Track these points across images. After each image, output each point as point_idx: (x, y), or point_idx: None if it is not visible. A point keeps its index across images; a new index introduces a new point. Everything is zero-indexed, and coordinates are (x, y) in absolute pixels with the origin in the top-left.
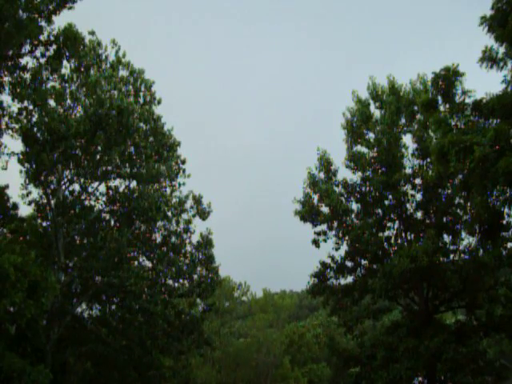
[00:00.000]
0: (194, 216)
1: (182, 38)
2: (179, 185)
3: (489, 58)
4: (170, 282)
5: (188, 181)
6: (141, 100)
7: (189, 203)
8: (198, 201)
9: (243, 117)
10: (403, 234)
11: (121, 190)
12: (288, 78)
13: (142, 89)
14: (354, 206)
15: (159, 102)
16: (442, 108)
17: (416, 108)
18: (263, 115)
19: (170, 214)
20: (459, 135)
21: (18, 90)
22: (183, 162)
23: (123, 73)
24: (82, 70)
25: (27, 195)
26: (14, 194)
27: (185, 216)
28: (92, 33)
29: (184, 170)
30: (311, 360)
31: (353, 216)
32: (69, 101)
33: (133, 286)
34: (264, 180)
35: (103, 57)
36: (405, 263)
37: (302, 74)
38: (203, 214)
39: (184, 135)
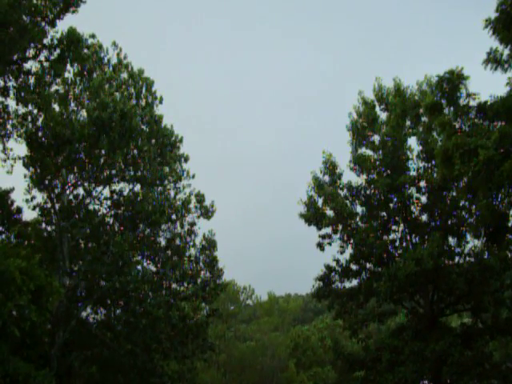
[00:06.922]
0: (198, 217)
1: (190, 38)
2: (183, 187)
3: (493, 60)
4: (175, 285)
5: (192, 182)
6: (143, 102)
7: (192, 203)
8: (200, 199)
9: (250, 117)
10: (408, 237)
11: (125, 193)
12: (295, 79)
13: (144, 91)
14: (359, 209)
15: (161, 101)
16: (446, 111)
17: (421, 110)
18: (270, 115)
19: (174, 216)
20: (464, 138)
21: (23, 95)
22: (186, 160)
23: (124, 75)
24: (85, 73)
25: (32, 199)
26: (19, 198)
27: (189, 218)
28: (93, 36)
29: (188, 172)
30: (316, 363)
31: (357, 219)
32: (72, 104)
33: (134, 291)
34: (269, 181)
35: (105, 60)
36: (410, 266)
37: (308, 75)
38: (207, 214)
39: (189, 135)
